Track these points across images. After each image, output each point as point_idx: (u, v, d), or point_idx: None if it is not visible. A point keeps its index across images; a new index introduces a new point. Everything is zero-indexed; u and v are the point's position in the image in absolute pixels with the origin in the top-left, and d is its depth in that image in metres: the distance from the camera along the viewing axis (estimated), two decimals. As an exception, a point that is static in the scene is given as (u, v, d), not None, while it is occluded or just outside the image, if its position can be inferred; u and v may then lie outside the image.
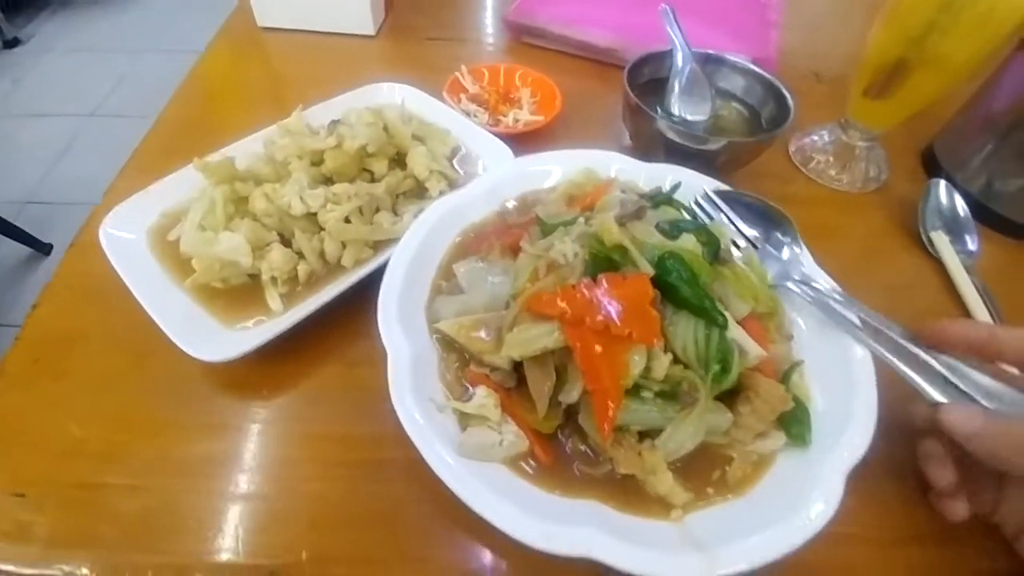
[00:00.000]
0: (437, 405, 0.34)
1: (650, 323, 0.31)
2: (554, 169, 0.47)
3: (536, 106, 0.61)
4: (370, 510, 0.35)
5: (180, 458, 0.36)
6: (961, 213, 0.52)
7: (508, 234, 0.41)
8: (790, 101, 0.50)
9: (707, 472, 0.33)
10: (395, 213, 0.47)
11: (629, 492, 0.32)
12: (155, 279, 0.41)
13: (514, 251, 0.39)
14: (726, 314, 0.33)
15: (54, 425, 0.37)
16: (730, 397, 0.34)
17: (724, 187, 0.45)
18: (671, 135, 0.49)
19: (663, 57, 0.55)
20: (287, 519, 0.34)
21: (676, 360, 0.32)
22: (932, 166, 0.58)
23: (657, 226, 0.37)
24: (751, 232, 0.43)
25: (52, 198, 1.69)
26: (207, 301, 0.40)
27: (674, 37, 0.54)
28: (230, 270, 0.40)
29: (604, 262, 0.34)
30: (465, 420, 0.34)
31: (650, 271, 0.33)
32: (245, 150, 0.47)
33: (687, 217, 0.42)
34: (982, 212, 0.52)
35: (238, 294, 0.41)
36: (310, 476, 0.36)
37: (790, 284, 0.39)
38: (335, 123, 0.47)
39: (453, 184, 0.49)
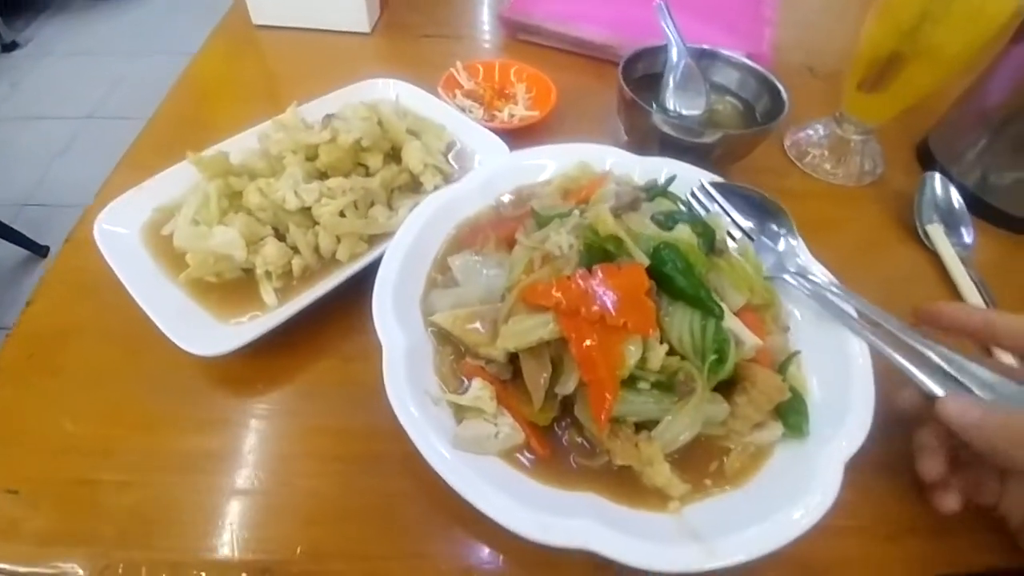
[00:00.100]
0: (432, 398, 0.34)
1: (646, 313, 0.31)
2: (549, 163, 0.47)
3: (531, 101, 0.61)
4: (366, 504, 0.34)
5: (174, 453, 0.36)
6: (956, 206, 0.52)
7: (503, 227, 0.41)
8: (784, 94, 0.51)
9: (704, 464, 0.33)
10: (390, 207, 0.47)
11: (626, 484, 0.32)
12: (149, 274, 0.40)
13: (509, 244, 0.39)
14: (722, 304, 0.33)
15: (47, 421, 0.37)
16: (727, 388, 0.34)
17: (719, 179, 0.45)
18: (666, 129, 0.49)
19: (657, 52, 0.55)
20: (282, 514, 0.34)
21: (672, 351, 0.32)
22: (927, 160, 0.58)
23: (652, 217, 0.37)
24: (747, 224, 0.43)
25: (49, 200, 1.68)
26: (201, 296, 0.40)
27: (668, 32, 0.54)
28: (224, 264, 0.40)
29: (599, 253, 0.34)
30: (461, 413, 0.34)
31: (645, 261, 0.33)
32: (240, 146, 0.47)
33: (683, 209, 0.42)
34: (977, 205, 0.52)
35: (232, 289, 0.41)
36: (305, 471, 0.36)
37: (786, 276, 0.39)
38: (329, 117, 0.47)
39: (448, 179, 0.49)
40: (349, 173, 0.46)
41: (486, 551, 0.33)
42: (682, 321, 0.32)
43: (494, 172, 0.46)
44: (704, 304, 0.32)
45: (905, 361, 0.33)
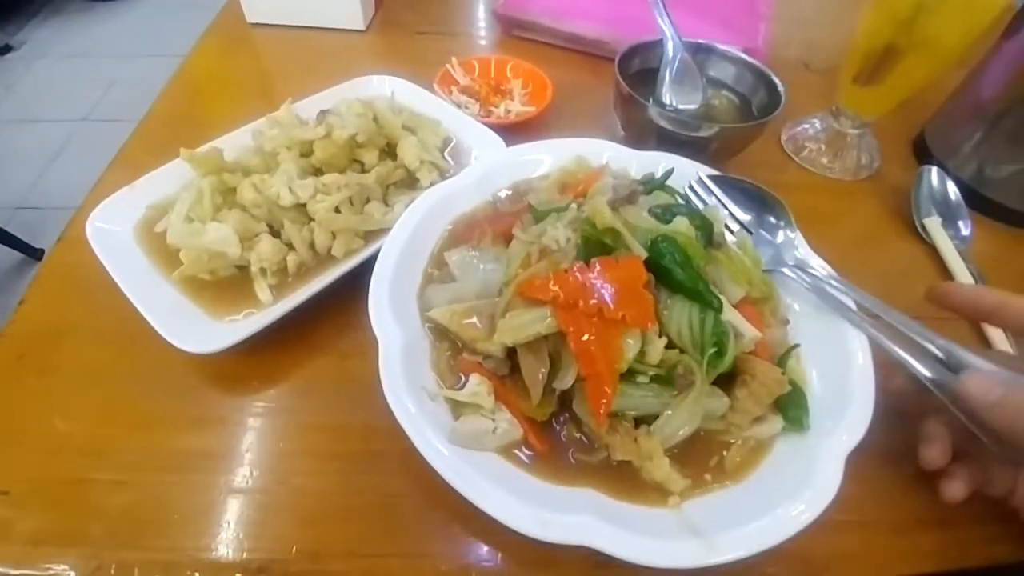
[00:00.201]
0: (429, 394, 0.34)
1: (644, 305, 0.31)
2: (545, 158, 0.47)
3: (527, 97, 0.61)
4: (363, 502, 0.34)
5: (168, 452, 0.35)
6: (953, 199, 0.52)
7: (500, 222, 0.40)
8: (780, 88, 0.50)
9: (704, 458, 0.33)
10: (386, 203, 0.46)
11: (625, 479, 0.32)
12: (142, 272, 0.40)
13: (506, 239, 0.39)
14: (721, 297, 0.33)
15: (39, 420, 0.36)
16: (726, 382, 0.33)
17: (717, 173, 0.45)
18: (663, 123, 0.49)
19: (654, 47, 0.55)
20: (278, 513, 0.33)
21: (671, 344, 0.32)
22: (923, 153, 0.58)
23: (650, 211, 0.37)
24: (745, 217, 0.43)
25: (44, 203, 1.68)
26: (195, 293, 0.40)
27: (664, 26, 0.54)
28: (218, 261, 0.40)
29: (597, 246, 0.34)
30: (458, 409, 0.33)
31: (643, 254, 0.33)
32: (234, 143, 0.47)
33: (680, 202, 0.41)
34: (974, 198, 0.52)
35: (227, 286, 0.40)
36: (301, 469, 0.35)
37: (785, 269, 0.39)
38: (324, 113, 0.47)
39: (444, 174, 0.49)
40: (344, 169, 0.46)
41: (485, 548, 0.32)
42: (681, 314, 0.32)
43: (490, 167, 0.46)
44: (703, 297, 0.32)
45: (905, 353, 0.33)
